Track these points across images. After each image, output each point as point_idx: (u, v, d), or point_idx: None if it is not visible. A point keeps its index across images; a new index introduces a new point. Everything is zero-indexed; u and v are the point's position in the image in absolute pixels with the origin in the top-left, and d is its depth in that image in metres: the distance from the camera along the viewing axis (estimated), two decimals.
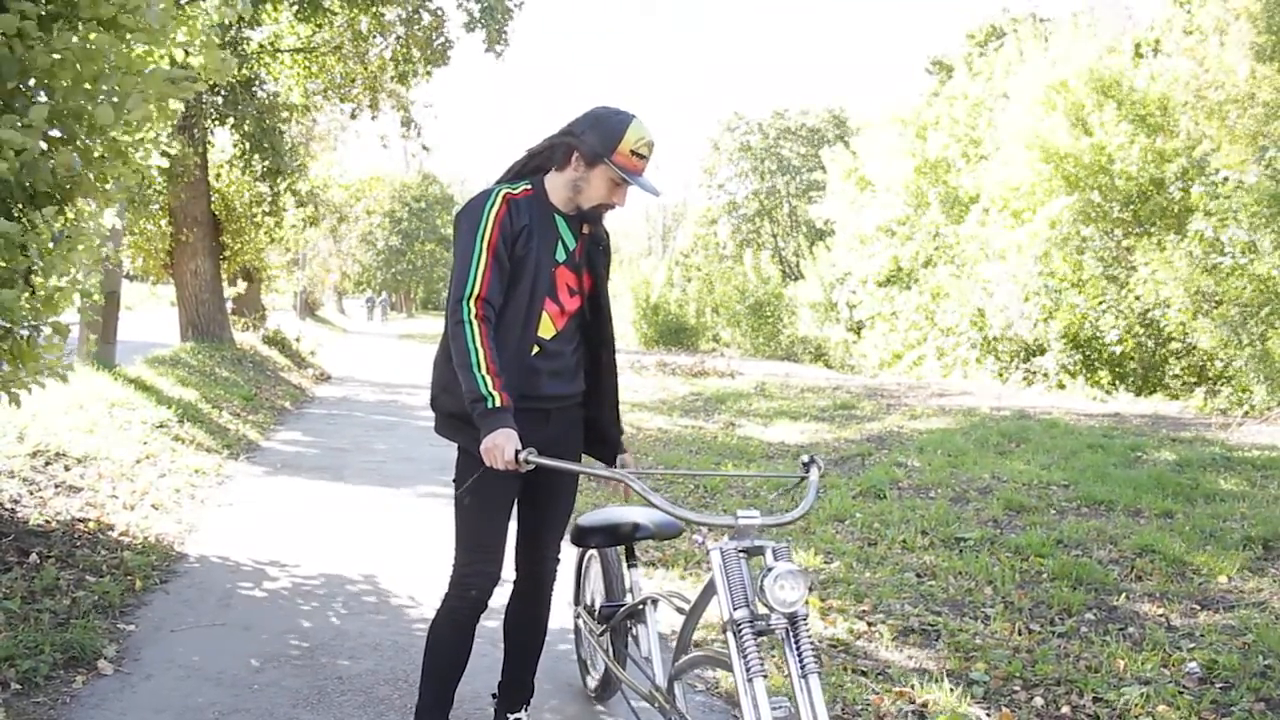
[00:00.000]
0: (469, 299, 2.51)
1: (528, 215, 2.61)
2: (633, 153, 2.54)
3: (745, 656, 2.12)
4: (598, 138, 2.55)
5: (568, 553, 3.27)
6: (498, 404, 2.41)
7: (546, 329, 2.67)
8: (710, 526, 2.32)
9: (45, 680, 3.23)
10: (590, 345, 2.81)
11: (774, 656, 3.53)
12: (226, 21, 5.06)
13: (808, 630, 2.15)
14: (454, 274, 2.58)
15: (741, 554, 2.22)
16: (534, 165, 2.71)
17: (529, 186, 2.67)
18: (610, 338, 2.84)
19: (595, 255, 2.76)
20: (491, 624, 3.10)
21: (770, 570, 2.12)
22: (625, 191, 2.62)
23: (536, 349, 2.65)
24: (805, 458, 2.51)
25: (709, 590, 2.37)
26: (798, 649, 2.13)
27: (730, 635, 2.16)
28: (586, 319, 2.78)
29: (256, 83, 13.98)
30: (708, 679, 3.62)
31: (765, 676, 2.12)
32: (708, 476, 7.21)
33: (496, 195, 2.61)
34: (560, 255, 2.67)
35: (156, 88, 3.97)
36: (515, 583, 2.91)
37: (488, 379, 2.44)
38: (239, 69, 12.42)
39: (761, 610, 2.15)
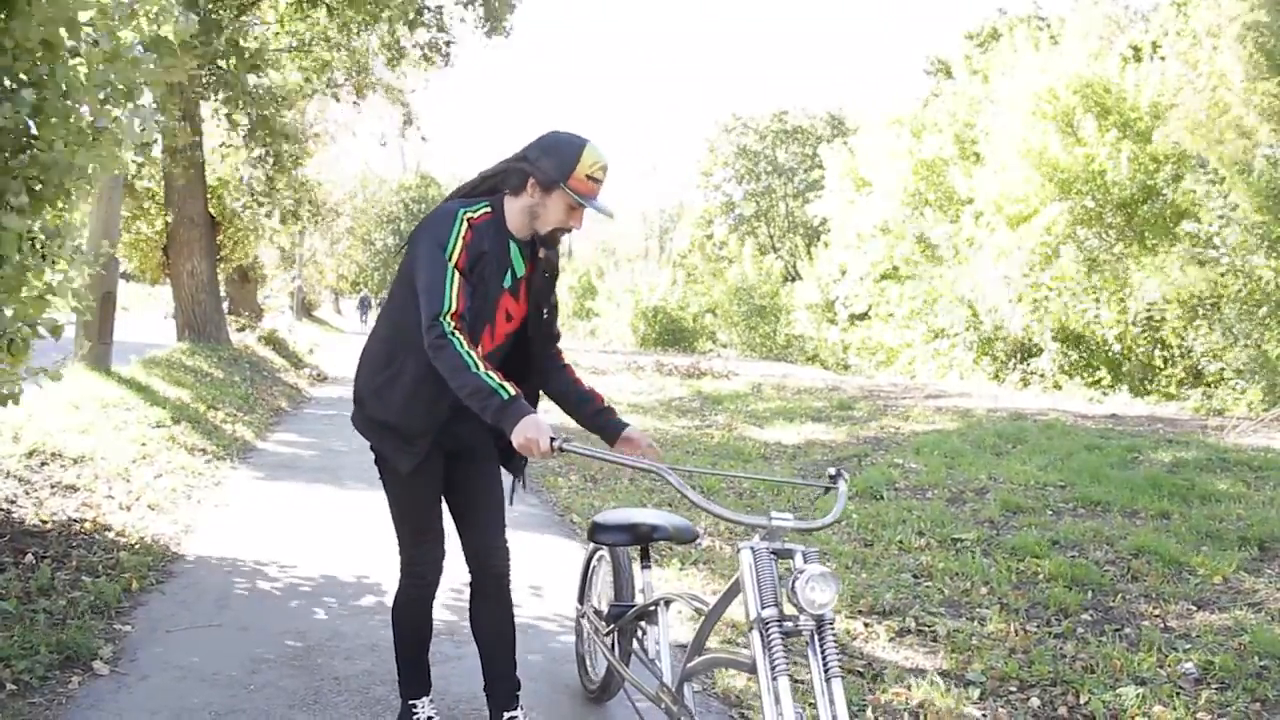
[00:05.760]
0: (446, 315, 2.49)
1: (487, 240, 2.61)
2: (588, 177, 2.57)
3: (771, 655, 2.12)
4: (553, 164, 2.56)
5: (575, 552, 3.27)
6: (512, 393, 2.42)
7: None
8: (742, 525, 2.34)
9: (41, 681, 3.22)
10: (515, 367, 2.77)
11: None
12: None
13: (834, 633, 2.15)
14: (423, 293, 2.53)
15: (772, 555, 2.23)
16: (486, 187, 2.71)
17: (488, 210, 2.65)
18: (531, 358, 2.83)
19: (540, 282, 2.77)
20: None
21: (802, 572, 2.13)
22: (581, 215, 2.63)
23: None
24: (833, 469, 2.55)
25: (733, 590, 2.37)
26: (822, 652, 2.13)
27: (757, 634, 2.16)
28: (515, 344, 2.80)
29: (256, 71, 13.93)
30: (705, 680, 3.62)
31: (790, 676, 2.12)
32: (736, 478, 7.21)
33: (460, 218, 2.59)
34: (507, 282, 2.69)
35: (126, 74, 3.91)
36: (472, 582, 2.92)
37: (492, 374, 2.44)
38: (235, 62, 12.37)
39: (790, 611, 2.16)
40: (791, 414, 11.50)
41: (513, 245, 2.69)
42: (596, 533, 3.11)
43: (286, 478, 7.33)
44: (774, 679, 2.10)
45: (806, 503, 6.54)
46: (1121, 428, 9.95)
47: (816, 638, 2.14)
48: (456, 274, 2.53)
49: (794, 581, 2.12)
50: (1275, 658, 3.74)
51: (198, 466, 7.06)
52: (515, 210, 2.66)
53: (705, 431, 10.50)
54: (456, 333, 2.48)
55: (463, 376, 2.44)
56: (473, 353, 2.46)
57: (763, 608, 2.17)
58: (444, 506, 2.88)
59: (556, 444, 2.31)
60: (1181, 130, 12.97)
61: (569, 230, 2.67)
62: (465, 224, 2.59)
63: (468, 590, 2.94)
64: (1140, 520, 5.97)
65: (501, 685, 2.96)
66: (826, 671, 2.11)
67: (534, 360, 2.84)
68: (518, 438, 2.36)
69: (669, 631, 2.95)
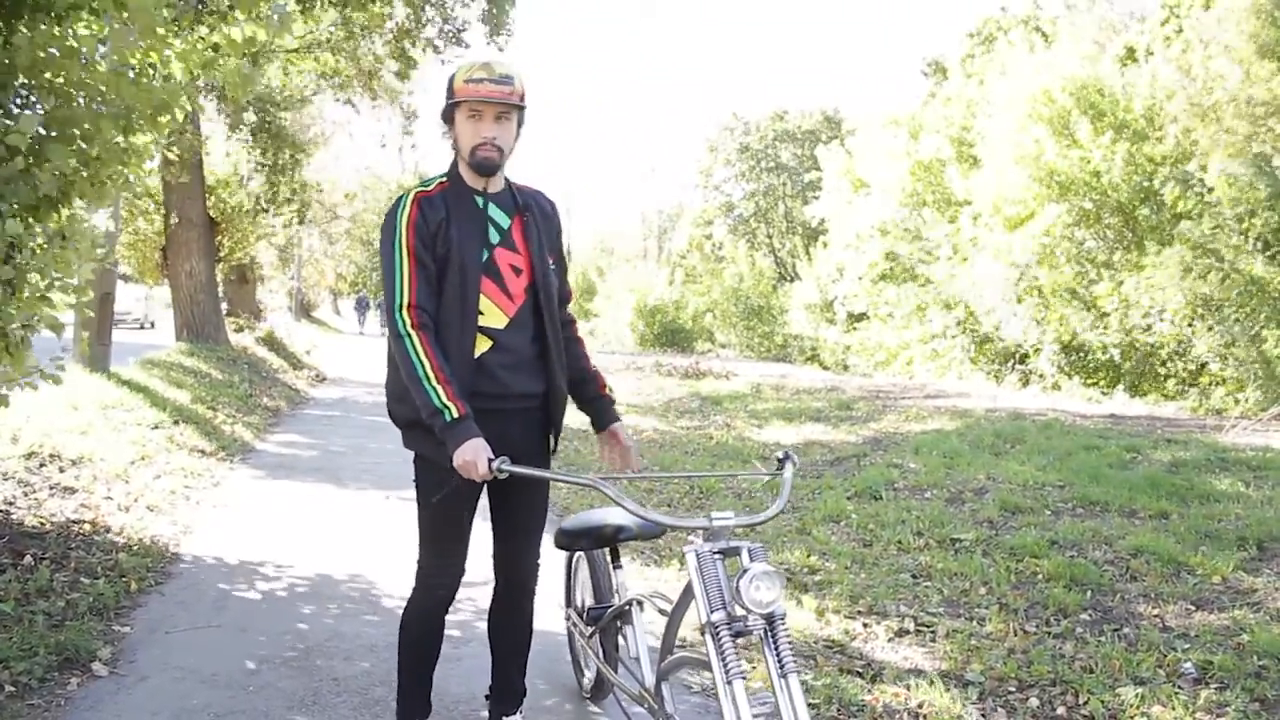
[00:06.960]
0: (401, 310, 2.49)
1: (443, 207, 2.58)
2: (466, 81, 2.53)
3: (724, 658, 2.11)
4: (445, 99, 2.60)
5: (558, 555, 3.26)
6: (455, 415, 2.39)
7: (496, 318, 2.61)
8: (684, 529, 2.33)
9: (39, 683, 3.22)
10: (543, 327, 2.68)
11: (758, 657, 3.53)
12: (255, 38, 5.03)
13: (786, 630, 2.14)
14: (384, 289, 2.55)
15: (717, 555, 2.21)
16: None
17: (444, 179, 2.65)
18: (555, 311, 2.71)
19: (532, 227, 2.69)
20: (483, 624, 3.09)
21: (745, 571, 2.11)
22: (488, 120, 2.55)
23: (489, 343, 2.59)
24: (780, 453, 2.50)
25: (688, 592, 2.36)
26: (776, 649, 2.12)
27: (708, 638, 2.15)
28: (538, 300, 2.68)
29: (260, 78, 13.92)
30: (703, 680, 3.62)
31: (744, 678, 2.11)
32: (683, 479, 7.21)
33: (406, 199, 2.59)
34: (494, 237, 2.63)
35: (146, 102, 3.94)
36: (496, 587, 2.89)
37: (439, 390, 2.40)
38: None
39: (739, 611, 2.14)
40: (791, 414, 11.50)
41: (480, 199, 2.64)
42: (564, 539, 3.08)
43: (285, 478, 7.33)
44: (729, 682, 2.09)
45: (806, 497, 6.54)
46: (1120, 428, 9.95)
47: (769, 635, 2.13)
48: (407, 261, 2.51)
49: (738, 582, 2.10)
50: (1274, 657, 3.74)
51: (197, 467, 7.06)
52: (461, 165, 2.65)
53: (704, 432, 10.50)
54: (412, 331, 2.47)
55: (414, 386, 2.45)
56: (425, 359, 2.44)
57: (711, 611, 2.15)
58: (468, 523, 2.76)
59: (495, 465, 2.32)
60: (1189, 118, 12.92)
61: (492, 144, 2.55)
62: (410, 204, 2.57)
63: (469, 592, 2.93)
64: (1139, 520, 5.96)
65: (508, 691, 2.96)
66: (782, 668, 2.10)
67: (554, 317, 2.70)
68: (457, 458, 2.36)
69: (646, 632, 2.94)
